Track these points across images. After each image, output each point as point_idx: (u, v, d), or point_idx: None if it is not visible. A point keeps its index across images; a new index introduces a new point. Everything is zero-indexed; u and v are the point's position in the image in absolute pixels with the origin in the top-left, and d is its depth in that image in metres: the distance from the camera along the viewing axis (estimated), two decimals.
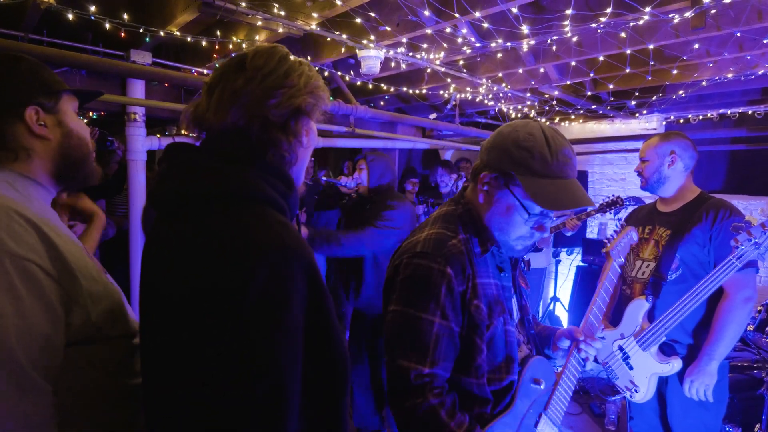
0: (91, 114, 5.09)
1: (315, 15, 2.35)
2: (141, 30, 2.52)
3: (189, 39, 2.66)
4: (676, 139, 2.09)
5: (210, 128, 0.84)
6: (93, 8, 2.32)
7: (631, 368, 2.02)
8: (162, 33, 2.56)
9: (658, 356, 1.95)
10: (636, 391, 2.01)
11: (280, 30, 2.51)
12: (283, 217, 0.79)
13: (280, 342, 0.69)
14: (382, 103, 5.12)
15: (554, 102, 4.41)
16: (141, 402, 0.87)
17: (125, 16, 2.42)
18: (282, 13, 2.32)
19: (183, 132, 0.95)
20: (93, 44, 3.26)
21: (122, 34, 2.54)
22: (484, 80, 3.53)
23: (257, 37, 2.80)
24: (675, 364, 1.92)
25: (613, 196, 3.47)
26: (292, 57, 0.89)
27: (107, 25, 2.38)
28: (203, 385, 0.69)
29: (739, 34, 2.38)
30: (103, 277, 0.93)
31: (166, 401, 0.75)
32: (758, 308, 2.99)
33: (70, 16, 2.30)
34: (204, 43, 2.78)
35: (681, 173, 2.07)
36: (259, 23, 2.39)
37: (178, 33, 2.58)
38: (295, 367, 0.71)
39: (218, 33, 2.75)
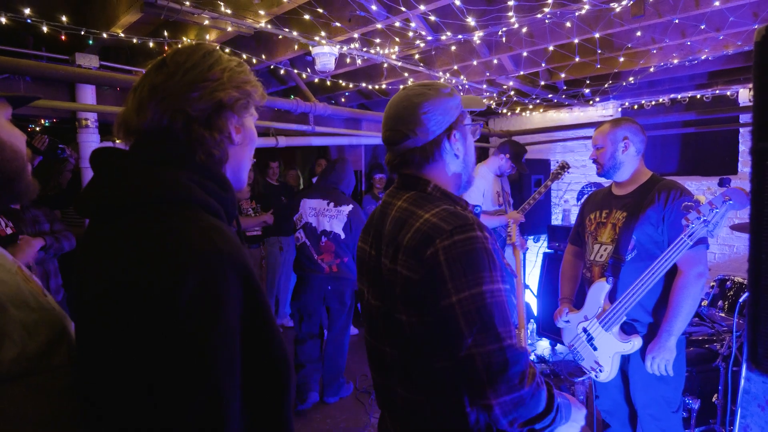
0: (42, 121, 4.89)
1: (262, 13, 2.30)
2: (82, 32, 2.42)
3: (135, 40, 2.57)
4: (626, 124, 2.14)
5: (136, 131, 0.80)
6: (28, 11, 2.21)
7: (595, 349, 2.07)
8: (105, 35, 2.47)
9: (619, 335, 2.00)
10: (600, 371, 2.06)
11: (230, 29, 2.45)
12: (217, 219, 0.77)
13: (215, 349, 0.67)
14: (343, 99, 5.09)
15: (512, 93, 4.48)
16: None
17: (64, 19, 2.32)
18: (228, 11, 2.26)
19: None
20: (35, 48, 3.11)
21: (63, 37, 2.43)
22: (441, 73, 3.55)
23: (207, 37, 2.73)
24: (635, 342, 1.97)
25: (557, 162, 3.79)
26: (219, 53, 0.85)
27: (45, 29, 2.27)
28: (138, 396, 0.66)
29: (677, 21, 2.46)
30: (41, 301, 0.85)
31: (104, 414, 0.72)
32: (711, 284, 3.11)
33: (4, 20, 2.19)
34: (152, 44, 2.70)
35: (634, 157, 2.13)
36: (206, 22, 2.33)
37: (122, 34, 2.49)
38: (233, 374, 0.69)
39: (166, 34, 2.67)
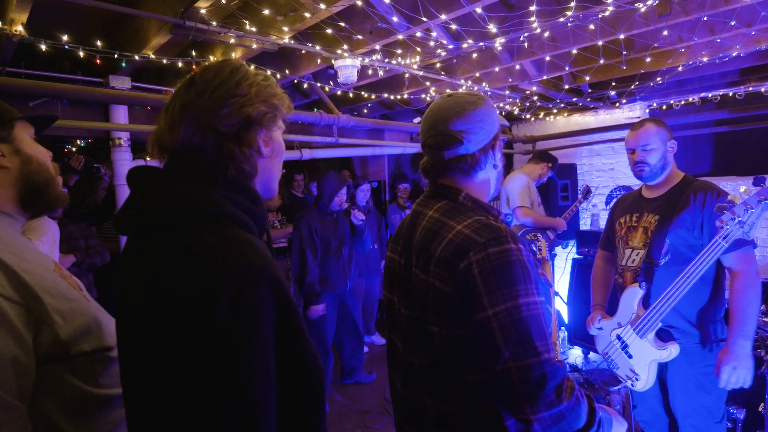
0: (78, 142, 5.10)
1: (286, 29, 2.36)
2: (116, 55, 2.53)
3: (165, 61, 2.67)
4: (665, 125, 2.09)
5: (169, 149, 0.83)
6: (66, 37, 2.33)
7: (630, 357, 2.01)
8: (137, 57, 2.57)
9: (655, 343, 1.93)
10: (637, 380, 2.00)
11: (255, 46, 2.52)
12: (249, 233, 0.78)
13: (249, 360, 0.68)
14: (365, 110, 5.14)
15: (535, 98, 4.43)
16: (124, 409, 0.88)
17: (99, 43, 2.43)
18: (253, 29, 2.33)
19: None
20: (72, 73, 3.27)
21: (97, 61, 2.54)
22: (462, 81, 3.55)
23: (233, 55, 2.81)
24: (673, 350, 1.90)
25: (584, 186, 4.18)
26: (245, 68, 0.87)
27: (81, 53, 2.39)
28: (177, 407, 0.68)
29: (706, 18, 2.40)
30: (77, 294, 0.95)
31: (145, 422, 0.74)
32: None
33: (44, 47, 2.31)
34: (180, 64, 2.79)
35: (672, 158, 2.07)
36: (232, 41, 2.40)
37: (153, 56, 2.59)
38: (268, 384, 0.70)
39: (193, 53, 2.76)
